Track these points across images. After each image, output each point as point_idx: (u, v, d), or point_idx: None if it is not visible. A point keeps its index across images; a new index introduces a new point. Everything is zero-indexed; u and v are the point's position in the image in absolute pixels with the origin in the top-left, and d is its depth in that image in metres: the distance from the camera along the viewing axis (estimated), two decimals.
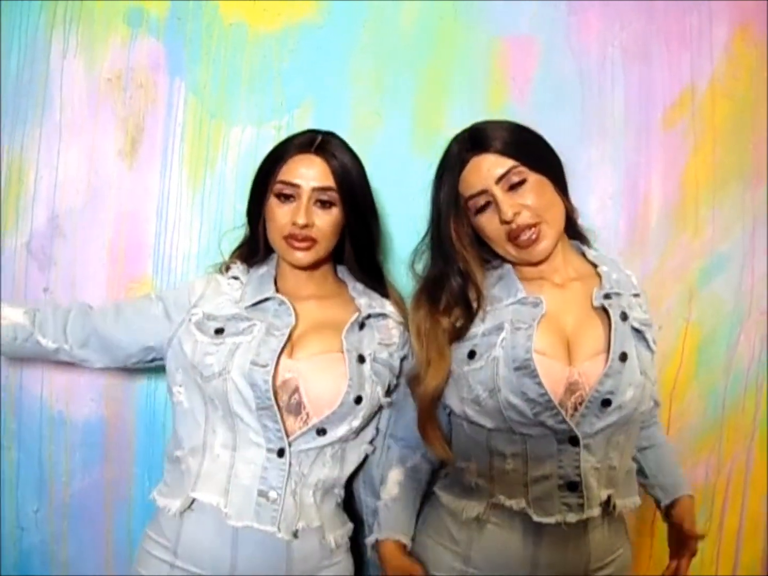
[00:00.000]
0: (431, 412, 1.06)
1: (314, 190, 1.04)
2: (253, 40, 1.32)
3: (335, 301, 1.12)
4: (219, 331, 1.05)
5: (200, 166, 1.32)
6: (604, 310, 1.02)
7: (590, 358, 1.00)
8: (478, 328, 1.04)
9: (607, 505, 1.03)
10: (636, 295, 1.09)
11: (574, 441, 0.99)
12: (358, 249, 1.11)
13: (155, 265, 1.32)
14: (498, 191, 1.00)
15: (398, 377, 1.13)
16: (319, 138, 1.06)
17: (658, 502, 1.19)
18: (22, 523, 1.35)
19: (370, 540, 1.10)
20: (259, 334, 1.03)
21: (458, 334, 1.05)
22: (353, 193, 1.06)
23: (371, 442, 1.13)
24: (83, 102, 1.32)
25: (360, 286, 1.14)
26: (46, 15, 1.31)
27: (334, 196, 1.05)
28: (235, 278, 1.12)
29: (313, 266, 1.09)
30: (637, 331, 1.03)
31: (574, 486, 0.99)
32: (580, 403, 0.98)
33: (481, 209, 1.03)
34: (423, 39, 1.34)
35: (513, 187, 1.01)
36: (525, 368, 0.98)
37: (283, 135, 1.29)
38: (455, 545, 1.06)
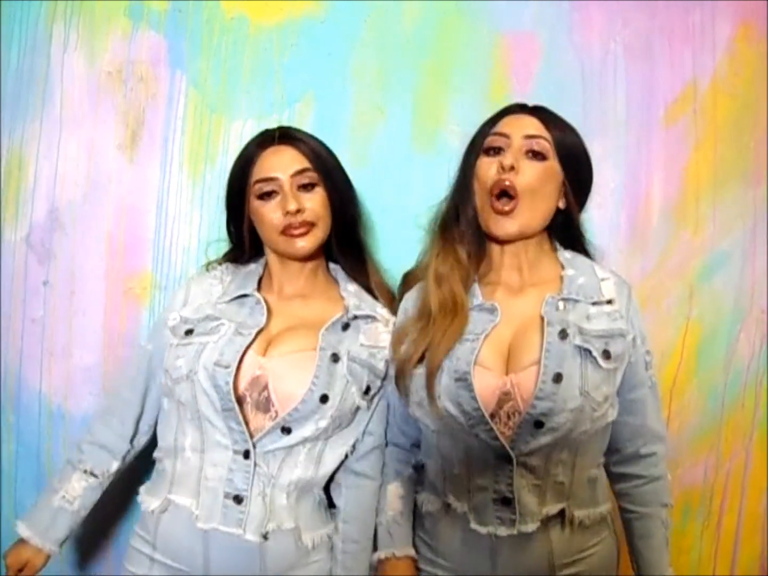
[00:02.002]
0: (433, 371, 1.00)
1: (293, 176, 1.04)
2: (255, 34, 1.31)
3: (323, 300, 1.11)
4: (189, 333, 1.06)
5: (200, 160, 1.32)
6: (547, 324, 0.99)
7: (524, 369, 0.98)
8: None
9: (562, 518, 1.02)
10: (608, 302, 1.03)
11: (508, 458, 0.98)
12: (340, 228, 1.09)
13: (155, 259, 1.32)
14: (516, 143, 1.01)
15: (383, 380, 1.10)
16: (276, 131, 1.08)
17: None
18: (20, 517, 1.34)
19: (379, 556, 1.08)
20: (227, 334, 1.03)
21: (467, 278, 1.04)
22: (328, 169, 1.06)
23: (354, 445, 1.10)
24: (84, 95, 1.31)
25: (352, 287, 1.12)
26: (47, 8, 1.31)
27: (313, 176, 1.05)
28: (217, 276, 1.13)
29: (306, 258, 1.08)
30: (582, 349, 0.98)
31: (507, 501, 0.99)
32: (513, 413, 0.97)
33: (491, 150, 1.03)
34: (425, 34, 1.33)
35: (531, 154, 1.01)
36: (464, 380, 0.98)
37: None
38: (424, 534, 1.09)
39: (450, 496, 1.05)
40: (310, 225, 1.04)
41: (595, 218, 1.36)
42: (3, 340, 1.33)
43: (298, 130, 1.10)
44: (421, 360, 1.02)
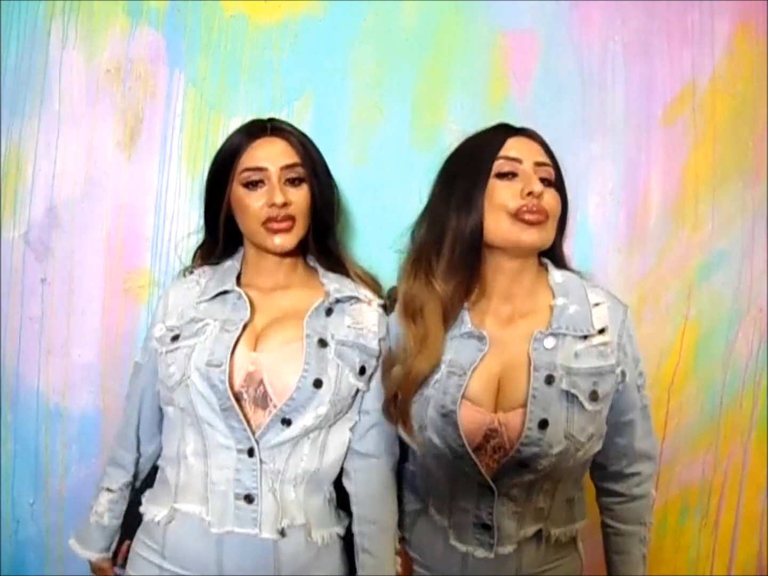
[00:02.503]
0: (406, 401, 1.01)
1: (282, 169, 1.03)
2: (254, 32, 1.31)
3: (304, 289, 1.10)
4: (175, 338, 1.05)
5: (199, 158, 1.31)
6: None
7: (513, 409, 0.98)
8: None
9: (538, 537, 1.03)
10: (600, 331, 0.99)
11: (491, 489, 0.99)
12: (319, 226, 1.08)
13: (153, 257, 1.32)
14: (529, 168, 1.00)
15: (378, 358, 1.07)
16: (268, 122, 1.07)
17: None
18: (18, 516, 1.35)
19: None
20: (213, 333, 1.03)
21: (449, 310, 1.01)
22: (316, 166, 1.06)
23: (351, 429, 1.08)
24: (82, 93, 1.31)
25: (332, 274, 1.11)
26: (46, 5, 1.31)
27: (301, 171, 1.04)
28: (194, 280, 1.11)
29: (285, 254, 1.07)
30: (568, 393, 0.97)
31: (487, 527, 1.00)
32: (498, 448, 0.98)
33: (504, 175, 1.00)
34: (424, 33, 1.33)
35: (543, 181, 1.00)
36: (449, 416, 0.98)
37: None
38: (403, 530, 1.11)
39: (432, 509, 1.06)
40: (292, 220, 1.03)
41: (593, 217, 1.36)
42: (1, 338, 1.32)
43: (289, 124, 1.09)
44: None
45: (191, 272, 1.14)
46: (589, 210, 1.36)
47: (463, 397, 0.98)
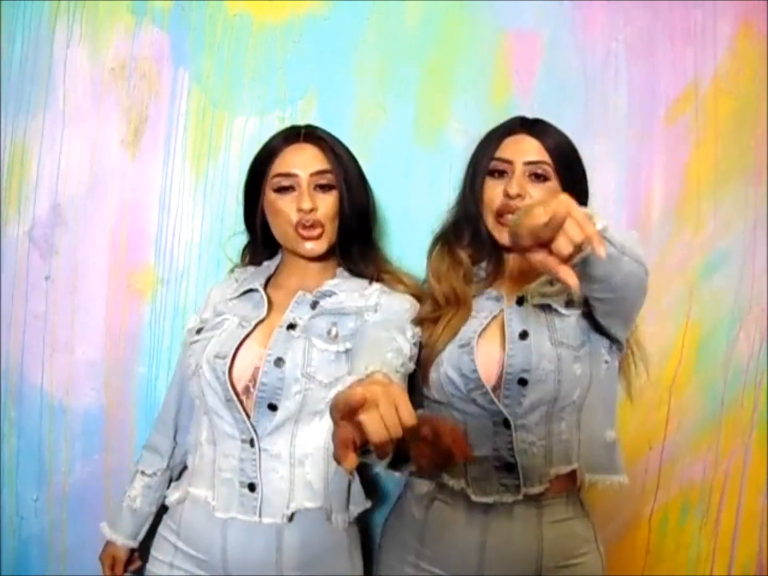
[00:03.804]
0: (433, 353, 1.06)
1: (312, 175, 1.05)
2: (258, 31, 1.31)
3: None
4: (199, 331, 1.10)
5: (203, 157, 1.32)
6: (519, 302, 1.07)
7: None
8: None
9: (573, 483, 1.04)
10: None
11: (507, 423, 1.02)
12: (346, 232, 1.08)
13: (157, 255, 1.32)
14: (520, 169, 1.07)
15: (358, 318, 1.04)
16: (303, 128, 1.10)
17: None
18: (22, 512, 1.35)
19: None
20: (229, 328, 1.06)
21: (469, 275, 1.11)
22: (347, 173, 1.07)
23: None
24: (86, 91, 1.31)
25: (347, 274, 1.12)
26: (51, 3, 1.31)
27: (331, 178, 1.06)
28: (235, 278, 1.17)
29: (317, 258, 1.09)
30: (542, 307, 1.05)
31: (510, 467, 1.02)
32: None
33: (495, 173, 1.10)
34: (427, 32, 1.34)
35: (534, 177, 1.07)
36: (467, 346, 1.04)
37: (287, 125, 1.30)
38: (414, 524, 1.10)
39: (444, 475, 1.06)
40: (321, 227, 1.05)
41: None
42: (5, 335, 1.33)
43: (325, 131, 1.11)
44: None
45: (233, 271, 1.20)
46: (592, 209, 1.35)
47: (479, 337, 1.05)
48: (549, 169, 1.07)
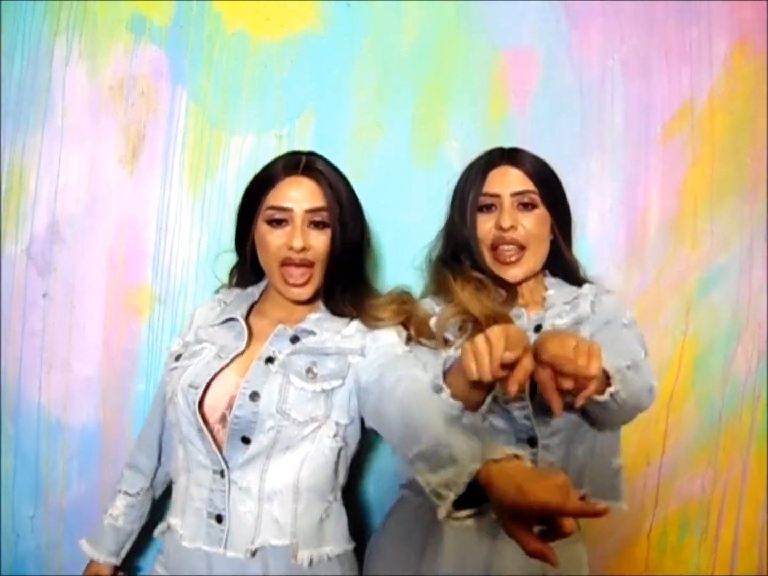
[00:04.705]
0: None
1: (307, 212, 1.02)
2: (255, 50, 1.32)
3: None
4: (178, 357, 1.09)
5: (201, 175, 1.32)
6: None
7: None
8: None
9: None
10: (584, 295, 1.12)
11: (532, 441, 1.01)
12: (335, 270, 1.05)
13: (155, 273, 1.32)
14: (508, 201, 1.10)
15: (340, 360, 1.02)
16: (304, 159, 1.05)
17: None
18: (18, 529, 1.35)
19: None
20: (206, 357, 1.05)
21: (495, 289, 1.10)
22: (343, 210, 1.04)
23: (335, 437, 1.03)
24: (85, 109, 1.32)
25: (328, 311, 1.08)
26: (50, 22, 1.32)
27: (326, 216, 1.03)
28: (219, 300, 1.16)
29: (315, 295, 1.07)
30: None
31: None
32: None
33: (483, 208, 1.12)
34: (424, 51, 1.34)
35: (522, 206, 1.10)
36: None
37: (284, 144, 1.31)
38: (415, 545, 1.08)
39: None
40: (310, 266, 1.03)
41: (593, 234, 1.37)
42: (2, 352, 1.33)
43: (326, 162, 1.06)
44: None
45: (218, 292, 1.19)
46: (589, 227, 1.36)
47: None
48: (535, 197, 1.10)
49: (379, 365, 0.98)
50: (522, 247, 1.10)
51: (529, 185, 1.10)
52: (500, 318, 1.04)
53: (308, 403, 1.00)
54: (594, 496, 1.03)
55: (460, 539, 1.05)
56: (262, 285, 1.15)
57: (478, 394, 0.86)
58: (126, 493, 1.17)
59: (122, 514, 1.16)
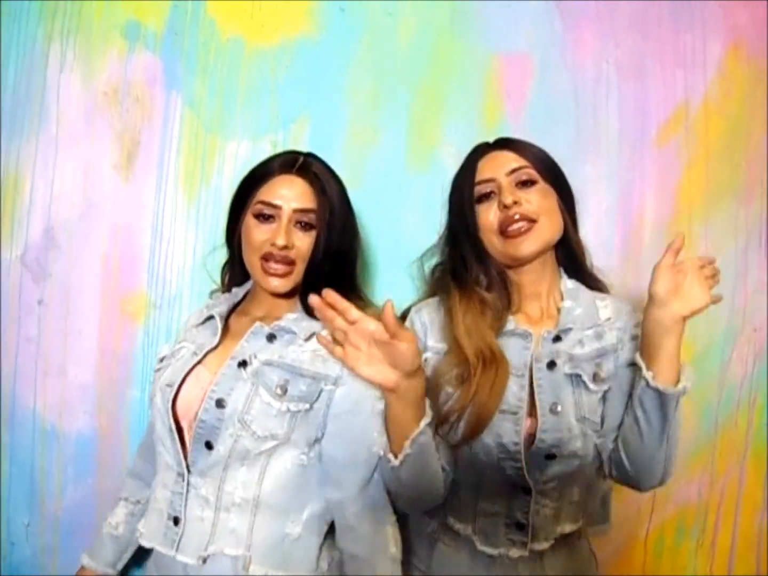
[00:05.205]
0: (475, 436, 0.98)
1: (295, 211, 1.01)
2: (250, 55, 1.32)
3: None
4: (162, 360, 1.09)
5: (196, 180, 1.32)
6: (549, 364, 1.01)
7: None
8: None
9: (568, 536, 1.03)
10: (607, 320, 1.05)
11: (526, 489, 0.99)
12: (314, 272, 1.03)
13: (150, 279, 1.32)
14: (505, 180, 1.04)
15: (332, 383, 0.99)
16: (301, 159, 1.05)
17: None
18: (13, 537, 1.34)
19: None
20: (184, 356, 1.05)
21: (499, 307, 1.03)
22: (333, 215, 1.03)
23: (301, 455, 1.00)
24: (80, 115, 1.32)
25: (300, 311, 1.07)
26: (44, 28, 1.32)
27: (313, 218, 1.02)
28: (207, 303, 1.16)
29: (285, 294, 1.06)
30: (573, 376, 1.00)
31: (521, 526, 1.00)
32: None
33: (483, 197, 1.05)
34: (419, 55, 1.34)
35: (522, 184, 1.04)
36: (513, 414, 0.98)
37: (279, 149, 1.30)
38: (417, 560, 1.08)
39: (451, 519, 1.04)
40: (291, 264, 1.02)
41: (588, 237, 1.35)
42: None
43: (322, 165, 1.06)
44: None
45: (211, 297, 1.19)
46: (584, 230, 1.35)
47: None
48: (532, 172, 1.04)
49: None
50: (532, 220, 1.02)
51: (523, 162, 1.05)
52: (492, 360, 0.98)
53: (272, 419, 0.98)
54: (587, 525, 1.05)
55: (456, 564, 1.04)
56: (247, 286, 1.14)
57: None
58: (127, 500, 1.17)
59: (123, 522, 1.15)
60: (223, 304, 1.11)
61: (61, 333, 1.32)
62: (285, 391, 0.98)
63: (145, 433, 1.21)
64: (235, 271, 1.14)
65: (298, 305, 1.06)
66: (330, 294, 0.84)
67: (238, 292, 1.14)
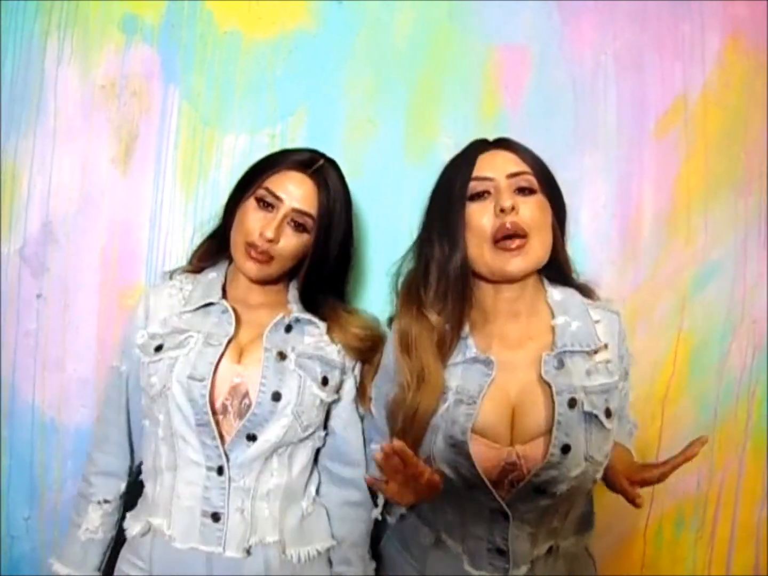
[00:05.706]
0: (417, 439, 0.96)
1: (294, 210, 1.02)
2: (248, 48, 1.32)
3: (277, 309, 1.09)
4: (158, 348, 1.04)
5: (194, 174, 1.32)
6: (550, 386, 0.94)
7: (532, 440, 0.95)
8: None
9: (550, 551, 1.01)
10: (606, 346, 0.99)
11: (505, 515, 0.96)
12: (311, 277, 1.07)
13: (148, 272, 1.32)
14: (504, 182, 0.97)
15: (343, 372, 1.09)
16: (321, 162, 1.06)
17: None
18: (13, 531, 1.35)
19: None
20: (196, 346, 1.03)
21: (445, 339, 0.98)
22: (332, 224, 1.04)
23: (319, 438, 1.09)
24: (77, 109, 1.32)
25: (298, 294, 1.10)
26: (42, 22, 1.32)
27: (310, 223, 1.03)
28: (176, 286, 1.11)
29: (266, 281, 1.08)
30: (589, 414, 0.95)
31: (501, 552, 0.97)
32: (517, 482, 0.94)
33: (477, 196, 0.98)
34: (417, 47, 1.34)
35: (520, 191, 0.97)
36: (459, 447, 0.94)
37: (277, 143, 1.31)
38: (414, 560, 1.07)
39: (444, 534, 1.03)
40: (269, 258, 1.02)
41: (587, 230, 1.37)
42: None
43: (337, 174, 1.07)
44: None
45: (172, 278, 1.14)
46: (582, 223, 1.36)
47: (473, 430, 0.94)
48: (533, 179, 0.98)
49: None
50: (524, 234, 0.95)
51: (524, 167, 0.98)
52: (425, 379, 0.96)
53: (314, 410, 1.04)
54: (561, 541, 1.01)
55: (450, 566, 1.02)
56: (221, 268, 1.12)
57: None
58: (102, 502, 1.10)
59: (101, 524, 1.10)
60: (211, 289, 1.08)
61: (59, 327, 1.32)
62: (326, 382, 1.06)
63: (104, 428, 1.14)
64: (210, 251, 1.14)
65: (286, 295, 1.11)
66: (400, 446, 0.86)
67: (218, 276, 1.11)
